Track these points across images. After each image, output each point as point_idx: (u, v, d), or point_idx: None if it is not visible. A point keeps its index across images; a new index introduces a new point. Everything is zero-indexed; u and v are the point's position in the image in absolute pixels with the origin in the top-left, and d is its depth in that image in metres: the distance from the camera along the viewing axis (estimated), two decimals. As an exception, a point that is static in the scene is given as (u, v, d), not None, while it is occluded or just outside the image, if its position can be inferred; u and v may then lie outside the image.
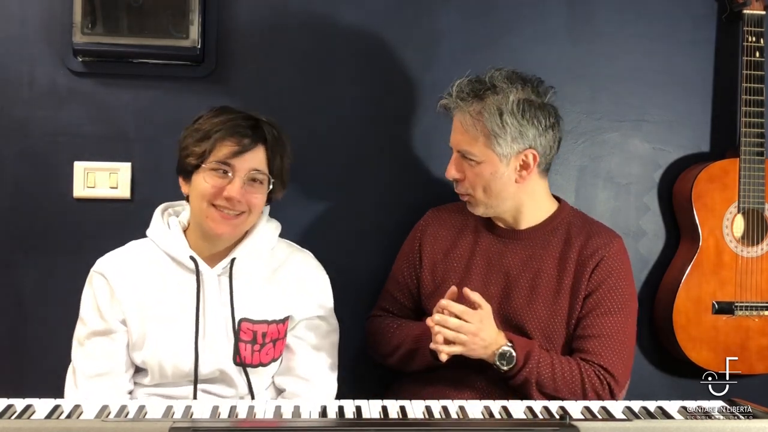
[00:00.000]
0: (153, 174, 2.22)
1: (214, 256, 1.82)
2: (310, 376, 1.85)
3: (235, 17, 2.24)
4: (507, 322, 1.89)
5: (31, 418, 1.44)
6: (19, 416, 1.44)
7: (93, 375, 1.77)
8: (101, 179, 2.20)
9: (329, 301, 1.91)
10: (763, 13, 2.23)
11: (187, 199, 1.84)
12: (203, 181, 1.74)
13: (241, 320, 1.79)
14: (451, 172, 1.91)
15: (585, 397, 1.81)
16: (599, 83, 2.34)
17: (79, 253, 2.19)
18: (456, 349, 1.75)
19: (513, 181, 1.88)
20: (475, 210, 1.94)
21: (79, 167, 2.20)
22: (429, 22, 2.29)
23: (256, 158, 1.76)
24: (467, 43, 2.26)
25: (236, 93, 2.24)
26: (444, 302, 1.76)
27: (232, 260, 1.80)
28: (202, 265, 1.79)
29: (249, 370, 1.80)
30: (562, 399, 1.76)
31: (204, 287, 1.79)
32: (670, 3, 2.34)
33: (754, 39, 2.22)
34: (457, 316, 1.74)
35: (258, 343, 1.79)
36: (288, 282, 1.86)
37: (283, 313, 1.83)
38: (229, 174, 1.74)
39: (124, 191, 2.21)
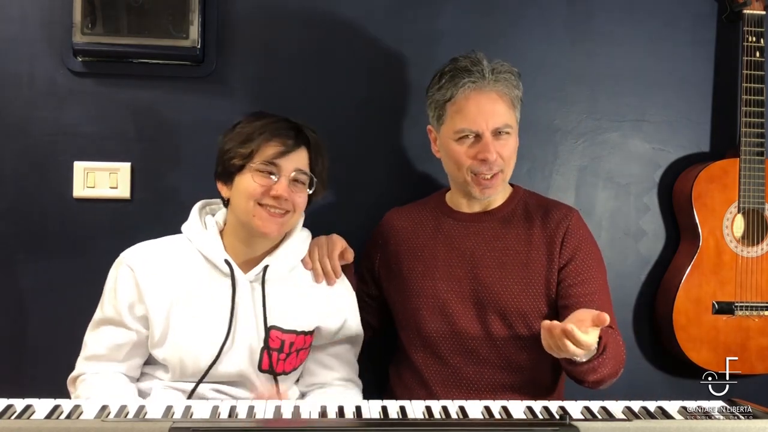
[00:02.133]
0: (153, 174, 2.22)
1: (248, 261, 1.82)
2: (345, 375, 1.90)
3: (234, 17, 2.24)
4: (480, 302, 1.91)
5: (31, 418, 1.44)
6: (19, 416, 1.44)
7: (90, 356, 1.80)
8: (101, 179, 2.20)
9: (356, 319, 1.93)
10: (763, 13, 2.23)
11: (225, 203, 1.84)
12: (251, 181, 1.75)
13: (270, 328, 1.79)
14: (492, 155, 1.87)
15: (621, 357, 1.82)
16: (599, 83, 2.34)
17: (79, 253, 2.19)
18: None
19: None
20: (495, 191, 1.93)
21: (79, 167, 2.20)
22: (429, 22, 2.29)
23: (300, 159, 1.79)
24: (467, 43, 2.24)
25: (236, 93, 2.24)
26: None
27: (265, 267, 1.80)
28: (237, 270, 1.79)
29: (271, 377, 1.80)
30: (606, 377, 1.77)
31: (238, 292, 1.78)
32: (670, 3, 2.34)
33: (754, 39, 2.22)
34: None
35: (285, 352, 1.80)
36: (318, 294, 1.87)
37: (311, 325, 1.84)
38: (274, 174, 1.75)
39: (124, 191, 2.21)
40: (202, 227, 1.83)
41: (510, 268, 1.91)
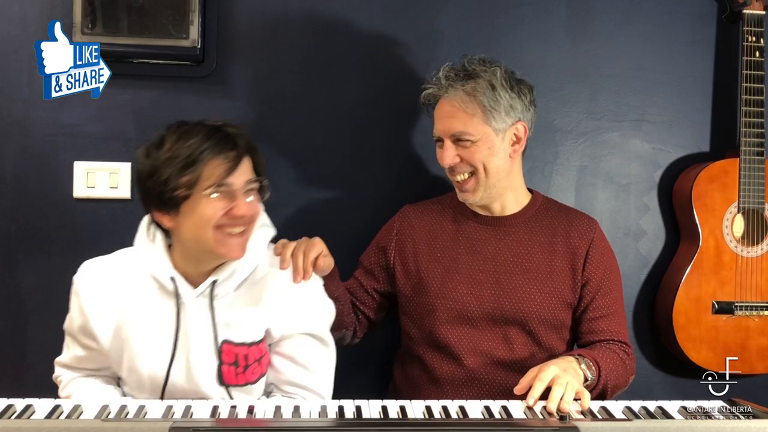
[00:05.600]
0: (153, 174, 2.22)
1: (199, 275, 1.71)
2: (300, 380, 1.76)
3: (235, 17, 2.24)
4: (500, 307, 1.90)
5: (31, 418, 1.44)
6: (19, 416, 1.44)
7: (62, 363, 1.83)
8: (101, 179, 2.21)
9: (316, 318, 1.78)
10: (763, 13, 2.23)
11: (166, 231, 1.71)
12: (206, 207, 1.60)
13: (223, 342, 1.70)
14: (446, 160, 1.90)
15: (628, 375, 1.91)
16: (599, 83, 2.34)
17: (79, 253, 2.18)
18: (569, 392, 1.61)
19: (508, 157, 1.92)
20: (473, 196, 1.93)
21: (79, 167, 2.20)
22: (429, 22, 2.29)
23: (247, 169, 1.66)
24: (467, 43, 2.26)
25: (236, 93, 2.24)
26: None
27: (213, 282, 1.70)
28: (182, 287, 1.69)
29: (236, 390, 1.71)
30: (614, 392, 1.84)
31: (184, 309, 1.70)
32: (670, 3, 2.34)
33: (754, 39, 2.22)
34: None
35: (241, 365, 1.71)
36: (267, 302, 1.73)
37: (261, 334, 1.73)
38: (226, 194, 1.62)
39: (124, 191, 2.21)
40: (150, 242, 1.73)
41: (533, 275, 1.92)
